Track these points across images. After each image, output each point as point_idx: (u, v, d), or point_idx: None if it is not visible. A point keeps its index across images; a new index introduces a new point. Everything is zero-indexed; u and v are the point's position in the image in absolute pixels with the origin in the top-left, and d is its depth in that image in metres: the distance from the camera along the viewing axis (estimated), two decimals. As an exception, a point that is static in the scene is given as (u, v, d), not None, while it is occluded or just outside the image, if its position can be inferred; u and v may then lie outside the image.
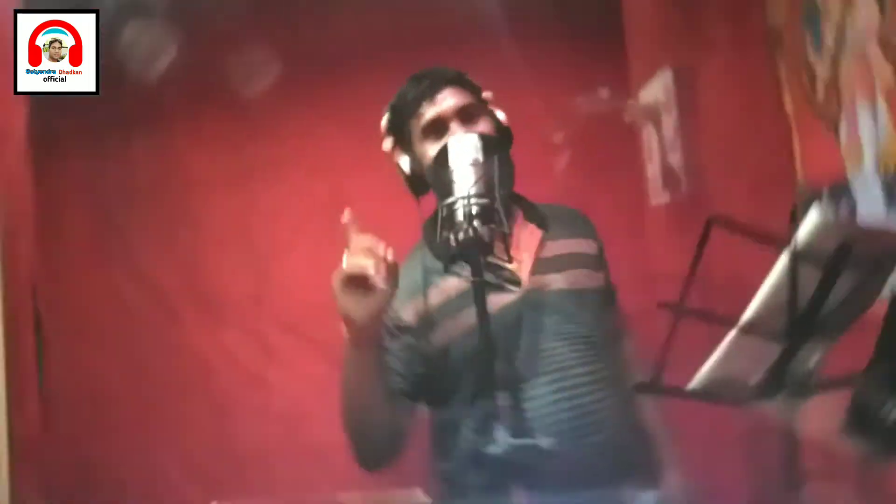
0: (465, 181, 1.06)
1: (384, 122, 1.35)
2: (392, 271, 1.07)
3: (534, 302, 1.27)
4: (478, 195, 1.04)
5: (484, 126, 1.29)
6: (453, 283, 1.23)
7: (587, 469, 1.18)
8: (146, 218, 2.11)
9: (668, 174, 1.65)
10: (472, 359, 1.20)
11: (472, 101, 1.31)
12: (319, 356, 1.93)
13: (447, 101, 1.29)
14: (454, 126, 1.28)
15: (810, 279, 0.95)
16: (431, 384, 1.28)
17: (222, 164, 2.14)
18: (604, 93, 1.95)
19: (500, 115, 1.34)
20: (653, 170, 1.76)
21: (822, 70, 1.34)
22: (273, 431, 2.03)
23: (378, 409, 1.20)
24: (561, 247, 1.34)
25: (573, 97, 1.99)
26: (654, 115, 1.69)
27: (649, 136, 1.76)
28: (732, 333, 0.98)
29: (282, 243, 2.08)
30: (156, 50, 1.88)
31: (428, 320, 1.26)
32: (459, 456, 1.21)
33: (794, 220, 0.92)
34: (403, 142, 1.33)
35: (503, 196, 1.09)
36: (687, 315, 0.91)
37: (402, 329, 1.26)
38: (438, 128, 1.28)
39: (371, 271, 1.04)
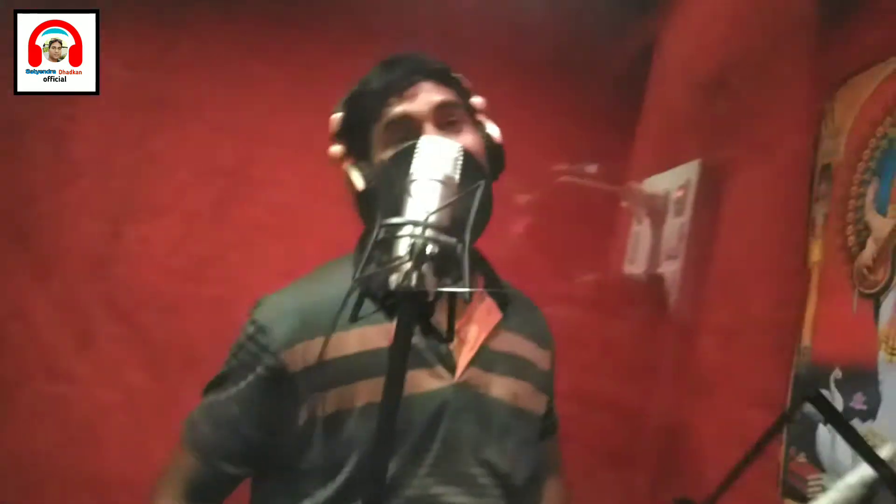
0: (424, 200, 0.71)
1: (335, 120, 1.00)
2: None
3: (461, 403, 0.93)
4: (438, 227, 0.68)
5: (468, 137, 0.96)
6: (370, 334, 0.89)
7: None
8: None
9: (655, 282, 1.35)
10: (360, 449, 0.89)
11: (457, 101, 0.99)
12: (144, 359, 1.48)
13: (424, 96, 0.95)
14: (429, 129, 0.94)
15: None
16: (285, 463, 0.92)
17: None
18: (592, 168, 1.66)
19: (493, 129, 1.00)
20: (632, 269, 1.46)
21: (879, 229, 1.08)
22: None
23: None
24: (514, 344, 1.02)
25: (555, 160, 1.70)
26: (658, 209, 1.41)
27: (639, 232, 1.47)
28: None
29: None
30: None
31: (319, 374, 0.89)
32: None
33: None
34: (358, 148, 0.97)
35: (472, 244, 0.73)
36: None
37: (277, 373, 0.90)
38: (407, 129, 0.94)
39: None
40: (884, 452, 0.76)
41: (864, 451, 0.71)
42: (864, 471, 0.73)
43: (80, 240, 1.60)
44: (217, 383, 0.94)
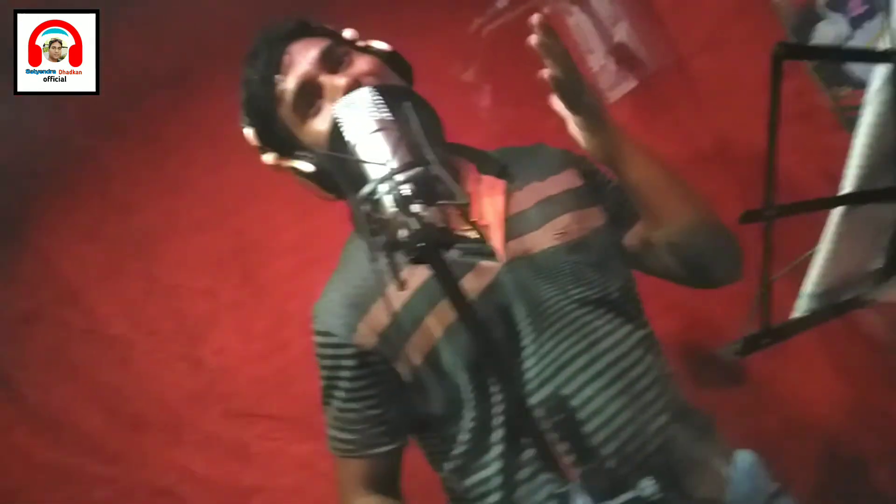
0: (376, 154, 0.74)
1: (250, 134, 1.03)
2: None
3: (521, 274, 0.96)
4: (403, 167, 0.71)
5: (363, 63, 0.98)
6: (411, 277, 0.88)
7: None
8: (30, 342, 1.67)
9: (621, 55, 1.32)
10: (465, 372, 0.93)
11: (331, 42, 1.00)
12: (298, 434, 1.57)
13: (301, 56, 0.97)
14: (326, 81, 0.96)
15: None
16: (426, 422, 1.01)
17: (101, 250, 1.71)
18: (502, 2, 1.60)
19: (380, 44, 1.02)
20: (597, 59, 1.42)
21: None
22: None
23: None
24: (533, 193, 1.03)
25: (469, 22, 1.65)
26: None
27: (578, 22, 1.42)
28: (837, 214, 0.66)
29: (202, 319, 1.68)
30: None
31: (394, 333, 0.96)
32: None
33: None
34: (285, 143, 1.01)
35: (439, 152, 0.74)
36: (783, 215, 0.58)
37: (366, 355, 0.98)
38: (308, 94, 0.97)
39: None
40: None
41: None
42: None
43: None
44: (327, 397, 1.02)
